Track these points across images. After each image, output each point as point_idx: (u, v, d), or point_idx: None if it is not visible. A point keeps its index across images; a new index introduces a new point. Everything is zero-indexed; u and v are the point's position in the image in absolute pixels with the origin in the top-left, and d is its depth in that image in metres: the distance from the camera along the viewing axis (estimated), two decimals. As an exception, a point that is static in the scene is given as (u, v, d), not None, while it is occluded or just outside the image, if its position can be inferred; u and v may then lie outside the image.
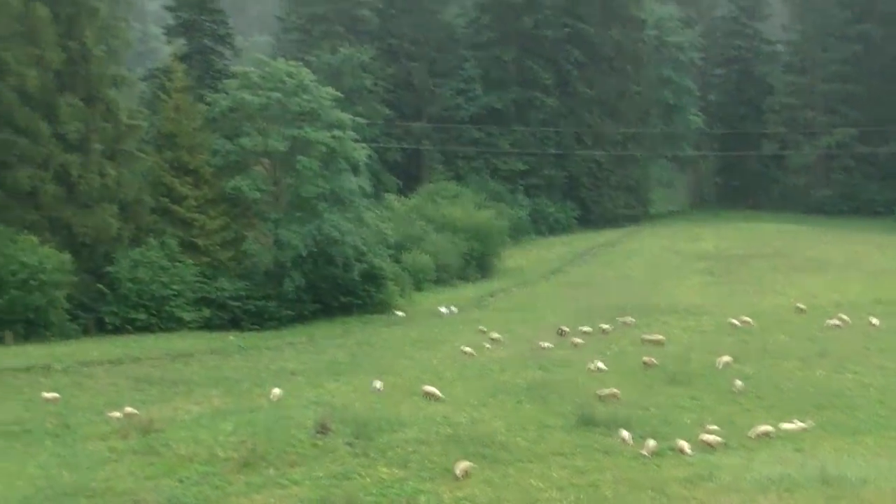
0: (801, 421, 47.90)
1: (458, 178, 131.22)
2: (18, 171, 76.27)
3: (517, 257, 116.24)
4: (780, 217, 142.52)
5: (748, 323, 74.21)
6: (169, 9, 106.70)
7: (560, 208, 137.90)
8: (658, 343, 67.23)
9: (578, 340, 69.58)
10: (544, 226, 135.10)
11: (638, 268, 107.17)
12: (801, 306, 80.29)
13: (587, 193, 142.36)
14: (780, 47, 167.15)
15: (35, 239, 74.25)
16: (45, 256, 73.46)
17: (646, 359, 61.03)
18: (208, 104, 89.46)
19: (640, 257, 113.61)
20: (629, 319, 77.20)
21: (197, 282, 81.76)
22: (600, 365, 59.74)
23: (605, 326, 74.55)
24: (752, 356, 62.78)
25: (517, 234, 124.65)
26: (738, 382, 55.11)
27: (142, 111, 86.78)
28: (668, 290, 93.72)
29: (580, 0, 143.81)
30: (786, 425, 47.15)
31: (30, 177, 76.35)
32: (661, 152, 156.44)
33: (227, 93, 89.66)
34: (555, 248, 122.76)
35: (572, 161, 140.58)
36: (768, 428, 46.37)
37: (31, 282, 72.58)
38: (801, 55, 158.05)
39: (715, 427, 46.73)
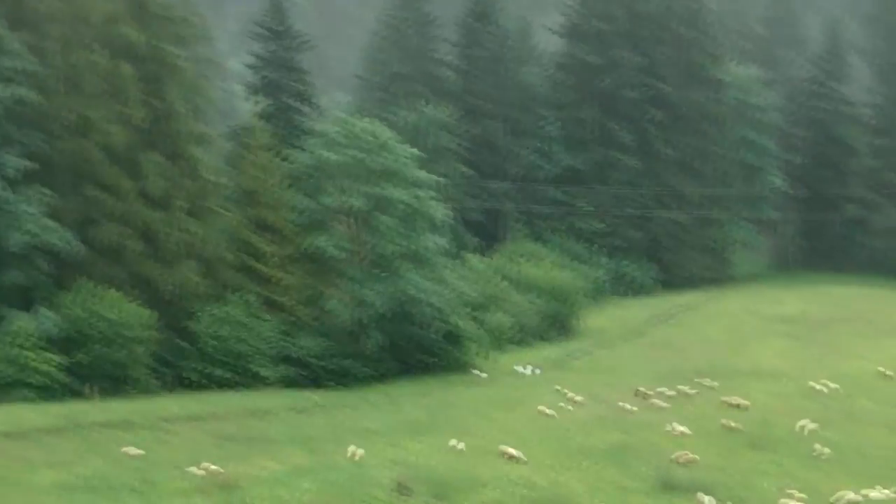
0: (888, 489, 47.12)
1: (539, 237, 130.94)
2: (103, 227, 77.01)
3: (597, 318, 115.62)
4: (863, 280, 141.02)
5: (831, 388, 73.29)
6: (252, 68, 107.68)
7: (640, 269, 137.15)
8: (739, 407, 66.57)
9: (659, 403, 69.01)
10: (625, 287, 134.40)
11: (719, 330, 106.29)
12: (886, 371, 79.20)
13: (668, 254, 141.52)
14: (863, 109, 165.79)
15: (119, 295, 74.86)
16: (128, 312, 74.04)
17: (727, 422, 60.42)
18: (290, 162, 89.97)
19: (722, 320, 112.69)
20: (710, 382, 76.50)
21: (277, 339, 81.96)
22: (681, 428, 59.22)
23: (686, 389, 73.94)
24: (836, 421, 62.01)
25: (597, 294, 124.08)
26: (821, 448, 54.36)
27: (224, 169, 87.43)
28: (749, 353, 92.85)
29: (661, 61, 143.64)
30: (872, 493, 46.41)
31: (114, 233, 77.06)
32: (742, 214, 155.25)
33: (308, 151, 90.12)
34: (635, 310, 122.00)
35: (653, 222, 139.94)
36: (853, 495, 45.63)
37: (115, 338, 73.14)
38: (884, 117, 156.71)
39: (797, 493, 46.08)
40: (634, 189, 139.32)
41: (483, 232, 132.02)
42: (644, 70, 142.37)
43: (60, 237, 74.07)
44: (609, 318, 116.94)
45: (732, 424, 59.73)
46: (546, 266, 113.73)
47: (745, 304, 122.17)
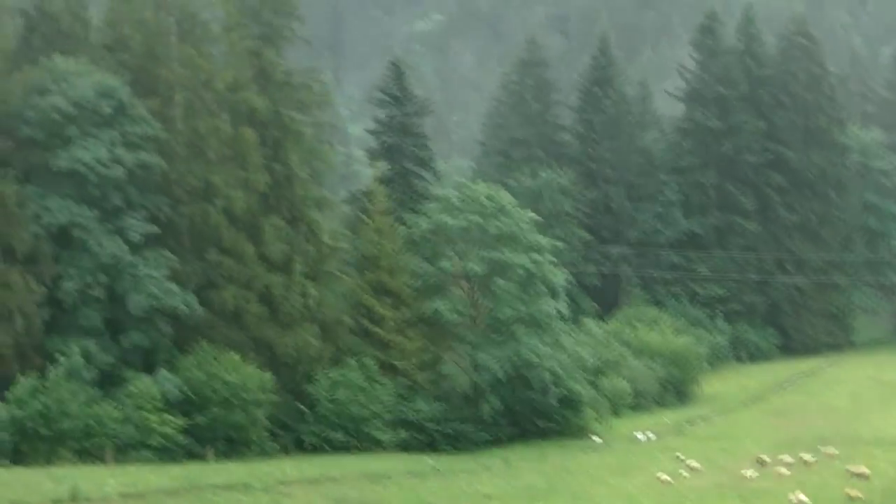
0: None
1: (657, 302, 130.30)
2: (224, 290, 77.94)
3: (716, 384, 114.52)
4: None
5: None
6: (372, 133, 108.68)
7: (760, 335, 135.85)
8: (863, 476, 65.38)
9: (780, 471, 68.06)
10: (744, 352, 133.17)
11: (841, 397, 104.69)
12: None
13: (788, 320, 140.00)
14: None
15: (238, 358, 75.61)
16: (247, 375, 74.73)
17: (850, 492, 59.42)
18: (409, 227, 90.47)
19: (844, 386, 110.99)
20: (832, 450, 75.31)
21: (394, 403, 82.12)
22: (802, 497, 58.34)
23: (807, 457, 72.83)
24: (962, 492, 60.72)
25: (716, 360, 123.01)
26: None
27: (344, 233, 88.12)
28: (873, 420, 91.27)
29: (782, 125, 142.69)
30: None
31: (235, 296, 77.96)
32: (864, 279, 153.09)
33: (427, 216, 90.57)
34: (755, 376, 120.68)
35: (773, 287, 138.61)
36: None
37: (233, 400, 73.83)
38: None
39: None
40: (754, 254, 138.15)
41: (601, 296, 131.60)
42: (765, 134, 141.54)
43: (182, 300, 75.11)
44: (728, 384, 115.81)
45: (855, 494, 58.75)
46: (664, 331, 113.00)
47: (867, 370, 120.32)
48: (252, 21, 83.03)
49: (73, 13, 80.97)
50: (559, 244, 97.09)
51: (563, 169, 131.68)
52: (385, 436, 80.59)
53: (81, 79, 74.82)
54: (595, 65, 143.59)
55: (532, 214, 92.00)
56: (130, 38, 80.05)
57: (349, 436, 79.46)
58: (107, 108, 74.59)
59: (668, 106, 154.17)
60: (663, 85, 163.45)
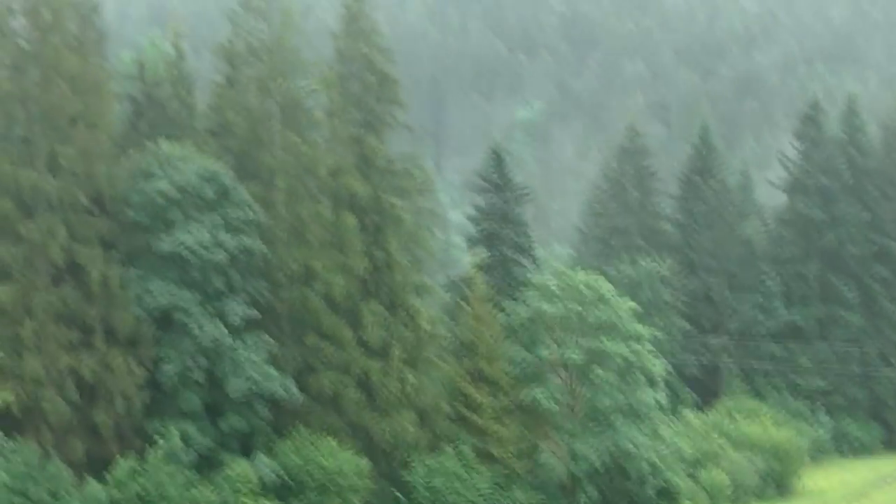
0: None
1: (757, 394, 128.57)
2: (322, 375, 78.13)
3: (817, 478, 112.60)
4: None
5: None
6: (472, 219, 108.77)
7: (863, 429, 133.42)
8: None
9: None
10: (846, 446, 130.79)
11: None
12: None
13: (892, 414, 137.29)
14: None
15: (335, 443, 75.59)
16: (343, 461, 74.69)
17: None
18: (507, 314, 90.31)
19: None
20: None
21: (491, 491, 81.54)
22: None
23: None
24: None
25: (817, 453, 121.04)
26: None
27: (442, 319, 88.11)
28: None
29: (886, 217, 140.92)
30: None
31: (332, 381, 78.10)
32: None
33: (526, 303, 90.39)
34: (858, 471, 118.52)
35: (876, 380, 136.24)
36: None
37: (330, 486, 73.78)
38: None
39: None
40: (857, 346, 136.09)
41: (700, 387, 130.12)
42: (868, 225, 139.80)
43: (280, 384, 75.44)
44: (830, 479, 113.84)
45: None
46: (764, 423, 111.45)
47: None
48: (355, 108, 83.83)
49: (180, 99, 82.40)
50: (658, 333, 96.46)
51: (662, 258, 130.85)
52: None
53: (186, 163, 75.82)
54: (695, 153, 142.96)
55: (631, 303, 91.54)
56: (234, 124, 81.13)
57: (448, 525, 79.05)
58: (210, 193, 75.47)
59: (770, 195, 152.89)
60: (765, 174, 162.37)
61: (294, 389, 76.32)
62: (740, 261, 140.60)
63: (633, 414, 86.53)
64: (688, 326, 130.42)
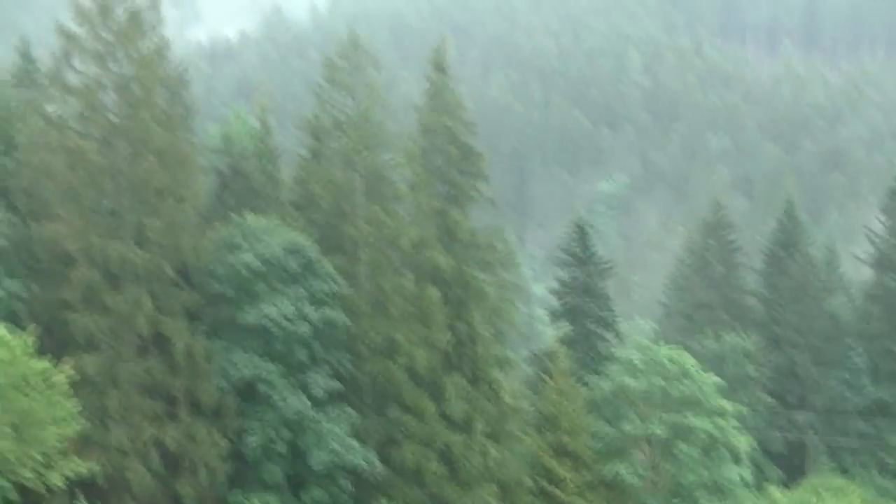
0: None
1: (844, 471, 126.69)
2: (404, 448, 78.01)
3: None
4: None
5: None
6: (555, 293, 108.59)
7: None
8: None
9: None
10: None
11: None
12: None
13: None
14: None
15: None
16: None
17: None
18: (590, 388, 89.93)
19: None
20: None
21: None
22: None
23: None
24: None
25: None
26: None
27: (525, 393, 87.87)
28: None
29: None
30: None
31: (415, 454, 77.92)
32: None
33: (609, 377, 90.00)
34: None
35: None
36: None
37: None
38: None
39: None
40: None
41: (785, 463, 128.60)
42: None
43: (363, 457, 75.37)
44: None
45: None
46: (851, 501, 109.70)
47: None
48: (438, 181, 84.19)
49: (265, 172, 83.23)
50: (743, 409, 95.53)
51: (747, 332, 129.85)
52: None
53: (271, 236, 76.33)
54: (780, 227, 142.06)
55: (715, 378, 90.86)
56: (319, 197, 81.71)
57: None
58: (294, 265, 75.88)
59: (856, 270, 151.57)
60: (850, 248, 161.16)
61: (376, 462, 76.24)
62: (826, 336, 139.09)
63: (718, 490, 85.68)
64: (773, 402, 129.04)
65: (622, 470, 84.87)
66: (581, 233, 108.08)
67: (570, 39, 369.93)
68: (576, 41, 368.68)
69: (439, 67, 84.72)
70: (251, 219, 77.28)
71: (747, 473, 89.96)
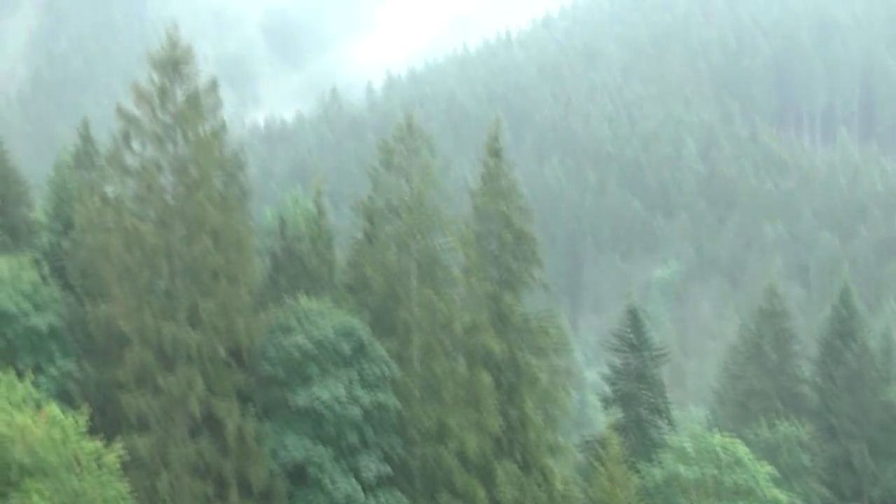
0: None
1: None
2: (456, 532, 77.63)
3: None
4: None
5: None
6: (607, 379, 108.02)
7: None
8: None
9: None
10: None
11: None
12: None
13: None
14: None
15: None
16: None
17: None
18: (642, 476, 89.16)
19: None
20: None
21: None
22: None
23: None
24: None
25: None
26: None
27: (576, 480, 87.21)
28: None
29: None
30: None
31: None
32: None
33: (661, 465, 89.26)
34: None
35: None
36: None
37: None
38: None
39: None
40: None
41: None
42: None
43: (413, 542, 75.06)
44: None
45: None
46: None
47: None
48: (492, 265, 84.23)
49: (319, 254, 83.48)
50: (797, 500, 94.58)
51: (801, 422, 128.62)
52: None
53: (324, 319, 76.48)
54: (836, 315, 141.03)
55: (769, 468, 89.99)
56: (372, 280, 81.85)
57: None
58: (347, 348, 75.92)
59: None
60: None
61: (425, 548, 75.93)
62: (883, 426, 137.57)
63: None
64: (828, 494, 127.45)
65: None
66: (634, 319, 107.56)
67: (625, 125, 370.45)
68: (631, 127, 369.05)
69: (494, 152, 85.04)
70: (304, 301, 77.50)
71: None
